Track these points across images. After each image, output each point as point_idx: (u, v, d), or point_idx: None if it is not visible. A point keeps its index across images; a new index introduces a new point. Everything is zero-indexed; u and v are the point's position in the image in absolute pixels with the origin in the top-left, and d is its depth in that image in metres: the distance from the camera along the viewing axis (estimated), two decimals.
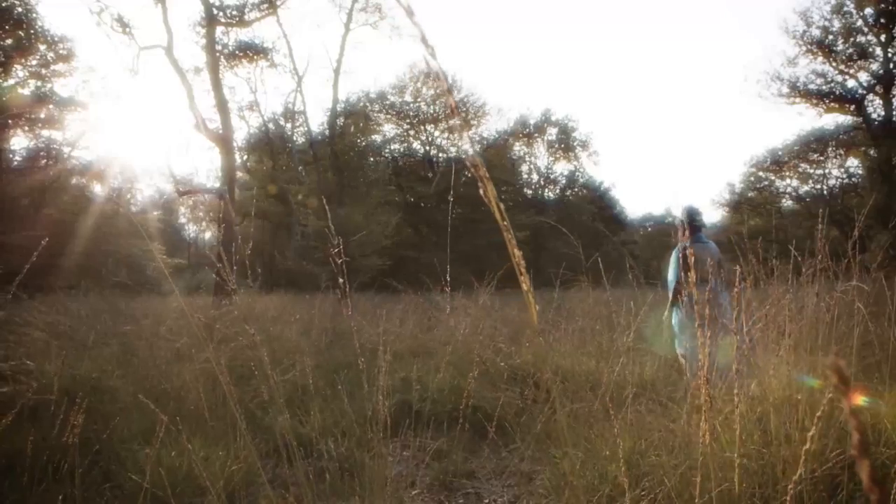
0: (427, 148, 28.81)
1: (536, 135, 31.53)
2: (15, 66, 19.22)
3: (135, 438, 3.00)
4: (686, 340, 4.18)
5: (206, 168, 38.88)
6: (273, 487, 2.69)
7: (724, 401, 2.05)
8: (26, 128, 20.50)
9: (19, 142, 21.32)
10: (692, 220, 4.51)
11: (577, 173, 32.81)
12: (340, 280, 1.57)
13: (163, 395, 3.23)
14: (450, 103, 0.71)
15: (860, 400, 2.07)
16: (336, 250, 1.55)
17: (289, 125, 25.02)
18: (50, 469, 2.34)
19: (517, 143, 31.54)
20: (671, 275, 4.48)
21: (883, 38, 20.19)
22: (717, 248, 4.56)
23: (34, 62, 19.65)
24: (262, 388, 3.00)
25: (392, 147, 28.57)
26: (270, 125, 24.12)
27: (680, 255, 4.37)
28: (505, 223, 0.74)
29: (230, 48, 20.39)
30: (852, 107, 21.55)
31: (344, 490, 2.55)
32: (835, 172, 25.19)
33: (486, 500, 2.76)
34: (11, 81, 19.29)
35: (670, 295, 4.43)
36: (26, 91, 19.80)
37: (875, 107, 21.41)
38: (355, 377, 3.78)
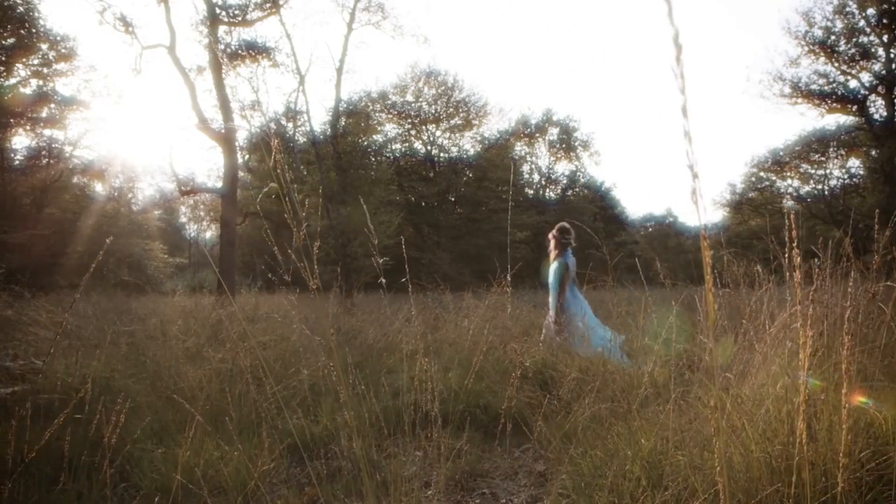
0: (428, 148, 28.81)
1: (538, 135, 31.54)
2: (17, 65, 19.21)
3: (148, 438, 3.00)
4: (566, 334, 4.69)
5: (207, 167, 38.79)
6: (288, 486, 2.69)
7: (752, 401, 2.04)
8: (28, 127, 20.51)
9: (21, 141, 21.34)
10: (564, 237, 5.07)
11: (578, 173, 32.84)
12: (382, 280, 1.56)
13: (177, 395, 3.22)
14: None
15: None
16: (375, 251, 1.55)
17: (290, 124, 24.99)
18: (68, 469, 2.33)
19: (518, 143, 31.54)
20: (552, 279, 5.04)
21: (885, 38, 20.22)
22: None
23: (36, 61, 19.65)
24: (276, 388, 3.00)
25: (393, 147, 28.58)
26: (272, 124, 24.09)
27: (563, 271, 4.99)
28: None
29: (232, 47, 20.34)
30: (854, 107, 21.58)
31: (359, 489, 2.54)
32: (836, 173, 25.23)
33: (503, 501, 2.74)
34: (13, 80, 19.28)
35: (553, 302, 4.99)
36: (28, 90, 19.81)
37: (877, 107, 21.47)
38: (368, 377, 3.77)
